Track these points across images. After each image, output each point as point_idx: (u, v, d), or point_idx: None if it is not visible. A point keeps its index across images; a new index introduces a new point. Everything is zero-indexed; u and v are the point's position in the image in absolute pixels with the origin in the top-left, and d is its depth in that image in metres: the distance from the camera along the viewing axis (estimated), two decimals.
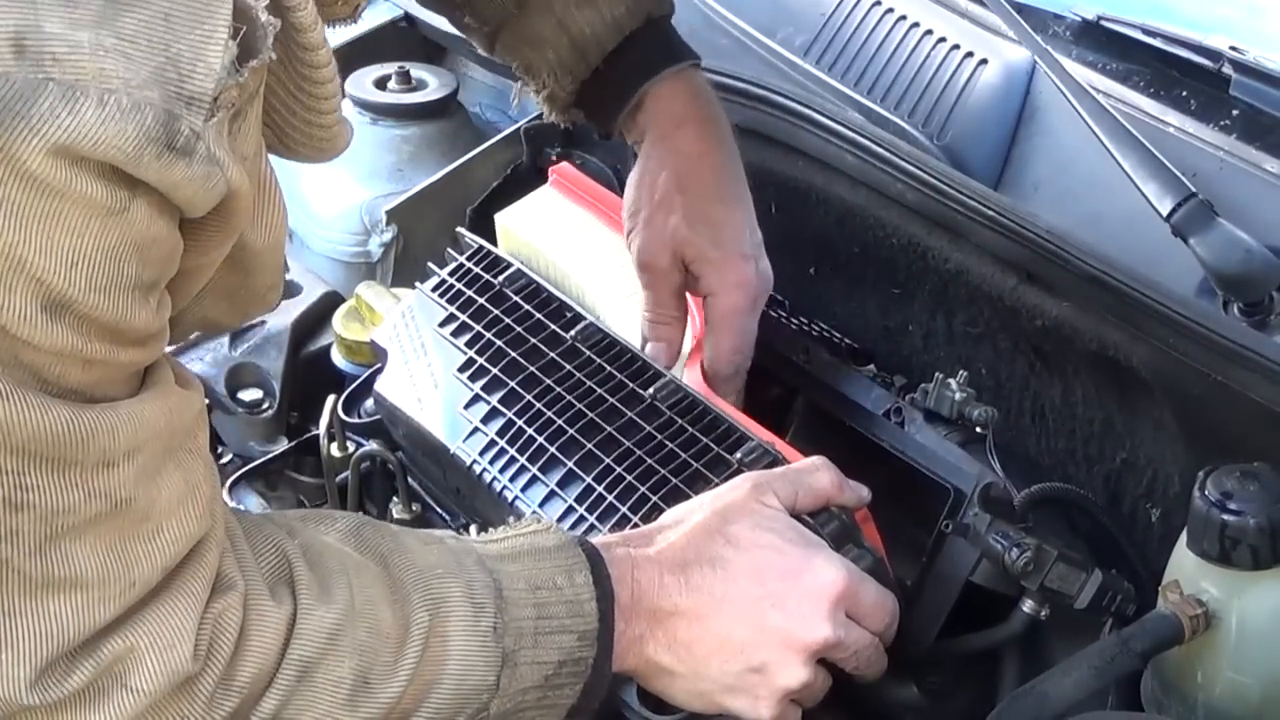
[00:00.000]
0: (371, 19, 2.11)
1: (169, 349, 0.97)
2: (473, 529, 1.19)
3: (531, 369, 1.43)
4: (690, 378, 1.41)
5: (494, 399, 1.42)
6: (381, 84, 2.10)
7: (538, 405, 1.40)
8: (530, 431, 1.38)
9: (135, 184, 0.85)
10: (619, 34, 1.41)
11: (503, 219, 1.60)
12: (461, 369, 1.46)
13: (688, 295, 1.44)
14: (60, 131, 0.80)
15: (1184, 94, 1.49)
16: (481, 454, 1.39)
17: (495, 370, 1.44)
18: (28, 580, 0.90)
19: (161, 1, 0.83)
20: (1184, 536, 1.14)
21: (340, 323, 1.70)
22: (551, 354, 1.43)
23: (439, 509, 1.53)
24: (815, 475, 1.24)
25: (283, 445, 1.68)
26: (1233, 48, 1.48)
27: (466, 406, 1.43)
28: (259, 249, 0.99)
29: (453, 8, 1.49)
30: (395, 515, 1.53)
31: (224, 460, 1.71)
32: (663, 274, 1.41)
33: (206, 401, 1.65)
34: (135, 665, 0.94)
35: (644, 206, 1.41)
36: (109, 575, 0.92)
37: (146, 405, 0.93)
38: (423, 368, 1.49)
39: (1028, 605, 1.22)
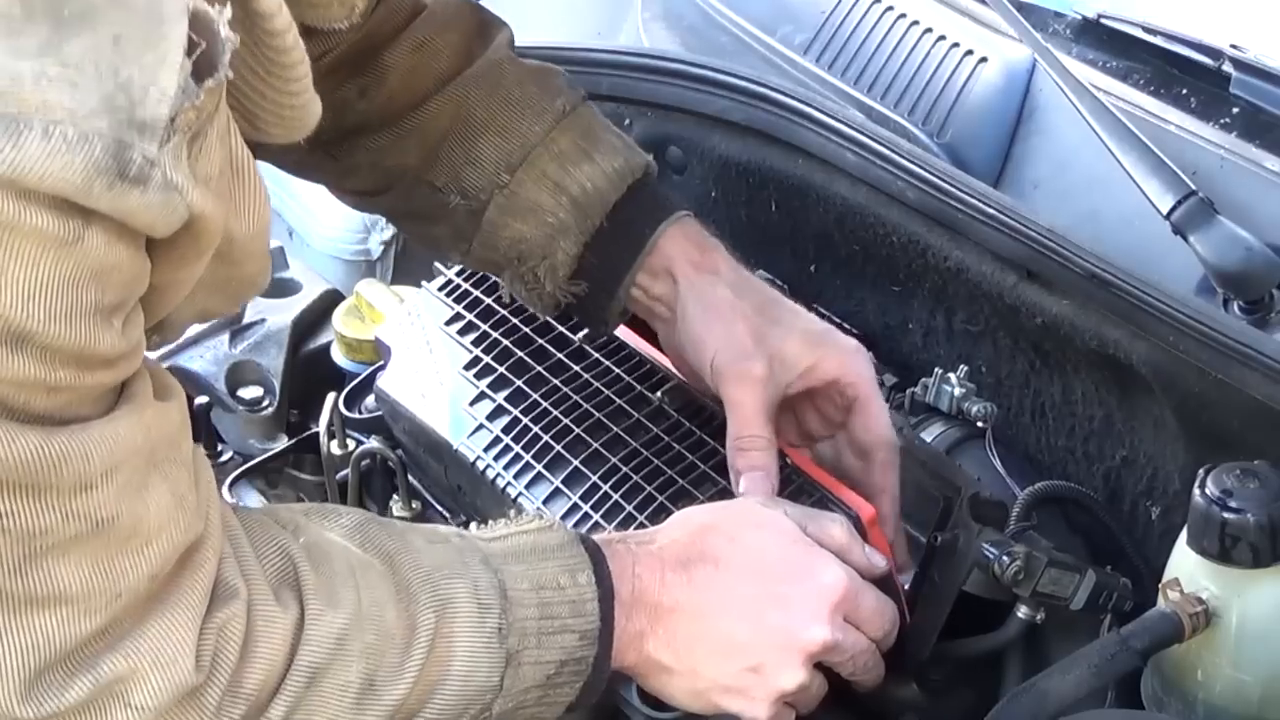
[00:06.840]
0: None
1: (168, 347, 0.95)
2: (472, 526, 1.18)
3: (538, 369, 1.42)
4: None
5: (500, 397, 1.42)
6: None
7: (544, 404, 1.39)
8: (536, 429, 1.38)
9: (89, 213, 0.82)
10: (622, 185, 1.31)
11: None
12: (467, 367, 1.45)
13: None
14: (4, 165, 0.77)
15: (1184, 92, 1.49)
16: (485, 450, 1.39)
17: (501, 369, 1.43)
18: (9, 598, 0.89)
19: (111, 24, 0.79)
20: (1184, 534, 1.14)
21: (340, 321, 1.70)
22: (559, 355, 1.43)
23: (439, 506, 1.53)
24: (831, 524, 1.21)
25: (283, 443, 1.68)
26: (1233, 45, 1.48)
27: (471, 404, 1.43)
28: (245, 239, 0.96)
29: (434, 202, 1.36)
30: (395, 512, 1.52)
31: (224, 458, 1.71)
32: (756, 384, 1.25)
33: (206, 399, 1.67)
34: (138, 685, 0.94)
35: (718, 329, 1.27)
36: (93, 589, 0.91)
37: (120, 423, 0.90)
38: (427, 364, 1.48)
39: (1022, 611, 1.22)
